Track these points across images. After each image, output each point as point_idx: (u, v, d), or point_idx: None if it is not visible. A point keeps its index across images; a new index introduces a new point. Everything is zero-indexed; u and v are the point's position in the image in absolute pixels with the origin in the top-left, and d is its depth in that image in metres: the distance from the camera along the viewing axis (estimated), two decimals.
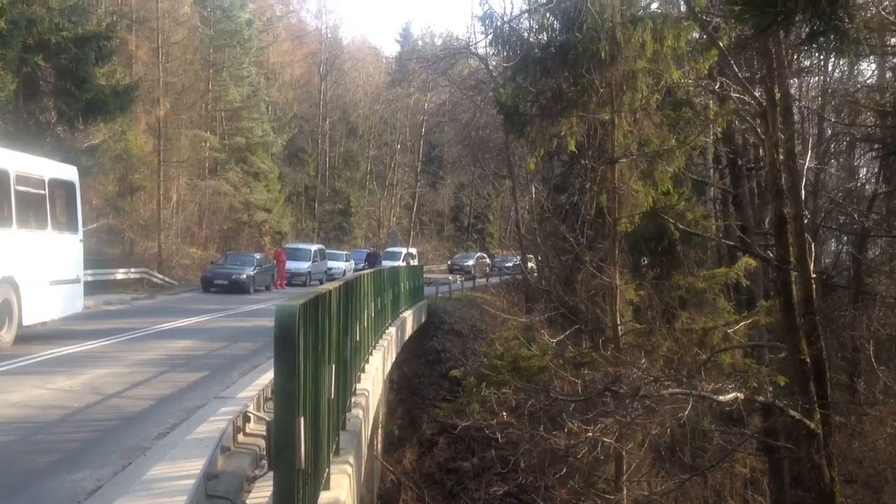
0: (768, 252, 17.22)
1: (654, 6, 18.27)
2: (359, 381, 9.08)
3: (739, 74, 14.17)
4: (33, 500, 6.15)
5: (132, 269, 33.50)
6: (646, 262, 19.69)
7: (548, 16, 17.04)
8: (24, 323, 14.70)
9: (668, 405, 11.33)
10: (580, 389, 11.89)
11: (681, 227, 16.48)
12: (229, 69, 49.20)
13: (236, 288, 31.34)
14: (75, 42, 27.21)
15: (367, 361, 10.62)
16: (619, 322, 14.99)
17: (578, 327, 18.71)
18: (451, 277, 43.18)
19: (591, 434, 11.06)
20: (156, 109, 39.83)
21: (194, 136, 46.56)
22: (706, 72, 15.46)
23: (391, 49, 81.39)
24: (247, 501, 4.85)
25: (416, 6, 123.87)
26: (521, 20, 23.12)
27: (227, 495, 4.49)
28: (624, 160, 15.21)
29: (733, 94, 14.83)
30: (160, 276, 35.13)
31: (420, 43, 75.95)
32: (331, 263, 42.31)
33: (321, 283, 33.82)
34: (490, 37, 21.35)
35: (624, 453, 13.28)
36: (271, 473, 3.90)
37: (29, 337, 14.96)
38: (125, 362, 13.07)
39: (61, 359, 13.25)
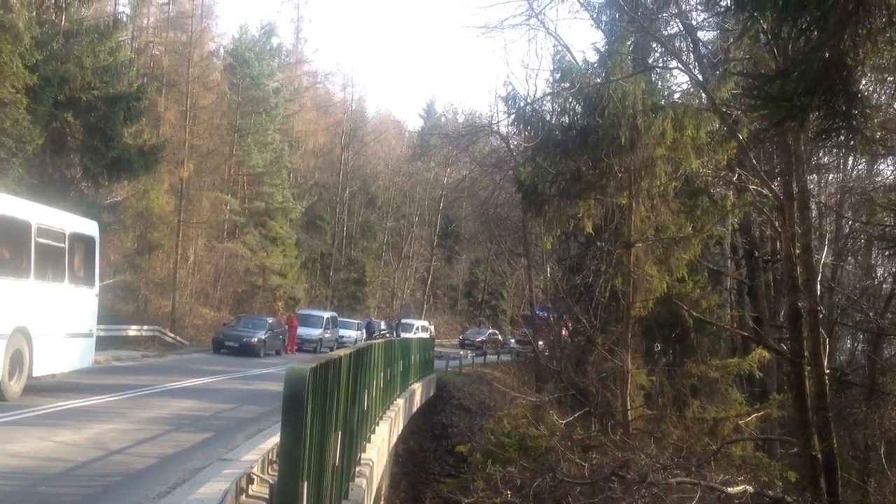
0: (782, 345, 17.12)
1: (675, 96, 18.58)
2: (364, 450, 9.01)
3: (758, 167, 14.32)
4: None
5: (145, 327, 33.57)
6: (658, 347, 19.58)
7: (570, 100, 17.37)
8: (35, 374, 14.72)
9: (675, 494, 11.14)
10: (587, 472, 11.74)
11: (695, 314, 16.45)
12: (254, 135, 50.03)
13: (247, 351, 31.30)
14: (105, 101, 27.84)
15: (374, 431, 10.55)
16: (629, 407, 14.87)
17: (588, 410, 18.53)
18: (461, 352, 43.02)
19: None
20: (179, 170, 40.43)
21: (215, 198, 47.12)
22: (725, 162, 15.63)
23: (414, 123, 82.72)
24: None
25: (440, 83, 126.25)
26: (544, 102, 23.55)
27: None
28: (640, 245, 15.30)
29: (751, 186, 14.95)
30: (172, 334, 35.17)
31: (443, 119, 77.14)
32: (343, 331, 42.29)
33: (331, 350, 33.75)
34: (512, 117, 21.72)
35: None
36: None
37: (38, 388, 14.96)
38: (131, 419, 13.03)
39: (68, 412, 13.23)
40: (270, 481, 5.63)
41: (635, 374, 15.45)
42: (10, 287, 13.97)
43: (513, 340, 53.26)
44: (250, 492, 5.75)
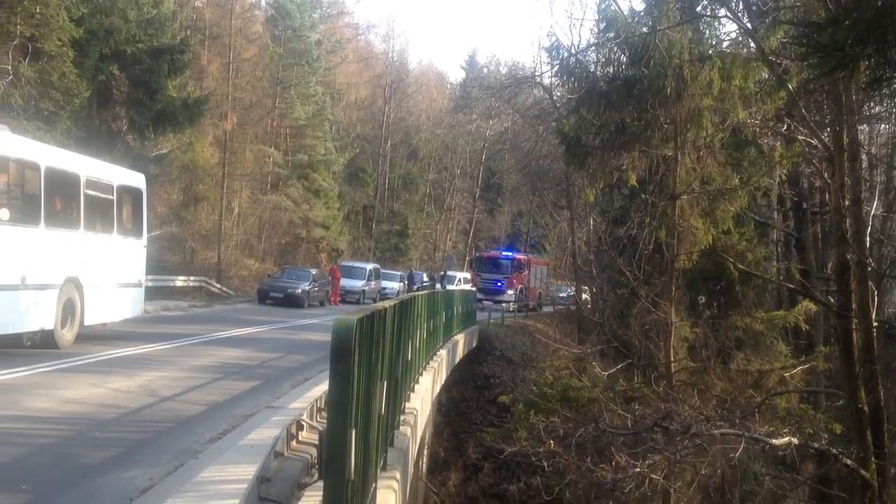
0: (829, 297, 16.92)
1: (723, 45, 18.16)
2: (408, 399, 9.13)
3: (807, 117, 14.00)
4: (88, 494, 6.31)
5: (191, 278, 34.14)
6: (703, 300, 19.45)
7: (615, 50, 17.06)
8: (86, 323, 15.10)
9: (719, 445, 11.16)
10: (630, 423, 11.79)
11: (741, 267, 16.28)
12: (296, 87, 50.07)
13: (291, 301, 31.72)
14: (150, 54, 28.01)
15: (417, 381, 10.66)
16: (672, 359, 14.84)
17: (630, 362, 18.53)
18: (504, 304, 43.12)
19: (638, 469, 10.94)
20: (223, 123, 40.70)
21: (259, 150, 47.42)
22: (773, 113, 15.31)
23: (456, 75, 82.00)
24: None
25: (483, 34, 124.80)
26: (588, 53, 23.13)
27: (278, 499, 4.57)
28: (685, 197, 15.12)
29: (800, 137, 14.65)
30: (218, 285, 35.72)
31: (485, 70, 76.26)
32: (385, 283, 42.62)
33: (374, 301, 34.05)
34: (556, 68, 21.37)
35: (672, 491, 13.07)
36: (321, 482, 3.96)
37: (89, 337, 15.35)
38: (180, 367, 13.33)
39: (119, 360, 13.56)
40: (319, 428, 5.74)
41: (679, 327, 15.38)
42: (61, 238, 14.28)
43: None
44: (300, 437, 5.88)
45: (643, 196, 18.54)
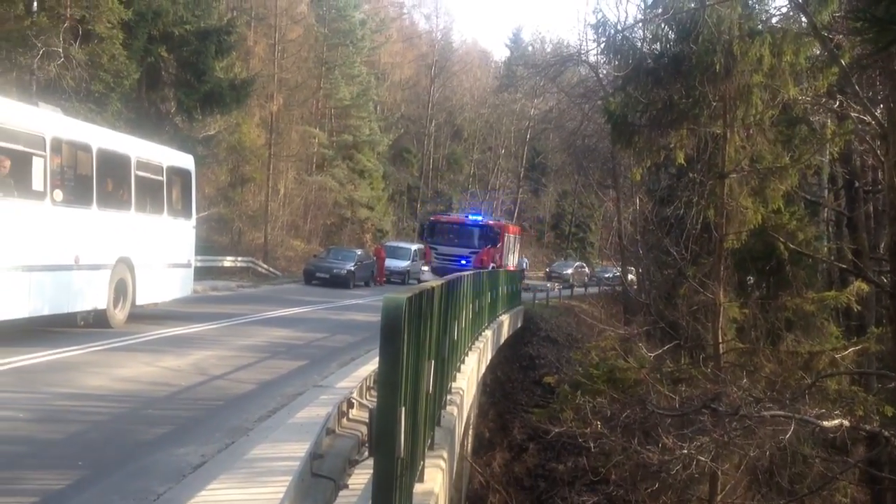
0: (882, 278, 16.57)
1: (773, 20, 17.80)
2: (454, 379, 9.16)
3: (860, 93, 13.68)
4: (143, 470, 6.45)
5: (239, 258, 34.56)
6: (752, 280, 19.17)
7: (663, 26, 16.82)
8: (138, 302, 15.37)
9: (768, 427, 11.04)
10: (678, 405, 11.72)
11: (791, 246, 16.02)
12: (341, 68, 50.20)
13: (337, 282, 31.96)
14: (197, 35, 28.27)
15: (463, 361, 10.69)
16: (721, 340, 14.68)
17: (678, 343, 18.36)
18: (548, 285, 42.96)
19: (686, 451, 10.88)
20: (269, 104, 40.98)
21: (304, 131, 47.69)
22: (825, 89, 14.99)
23: (500, 53, 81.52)
24: (348, 483, 4.99)
25: (528, 12, 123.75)
26: (635, 30, 22.83)
27: (331, 475, 4.63)
28: (734, 175, 14.90)
29: (852, 114, 14.35)
30: (265, 266, 36.11)
31: (530, 48, 75.74)
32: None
33: (418, 281, 34.17)
34: (602, 45, 21.11)
35: (719, 473, 12.99)
36: (371, 459, 4.00)
37: (141, 316, 15.63)
38: (230, 346, 13.52)
39: (170, 339, 13.80)
40: (369, 406, 5.79)
41: (727, 308, 15.20)
42: (113, 219, 14.52)
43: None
44: (351, 415, 5.95)
45: (691, 175, 18.33)
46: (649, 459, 11.66)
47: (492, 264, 33.57)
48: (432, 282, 6.21)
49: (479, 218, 38.27)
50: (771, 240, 16.12)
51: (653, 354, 16.07)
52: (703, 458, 11.30)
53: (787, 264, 17.54)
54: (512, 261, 39.34)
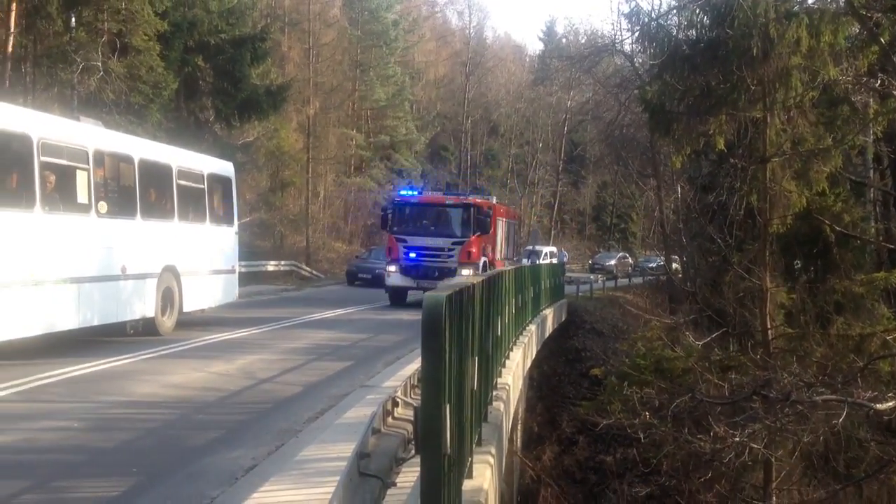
0: None
1: (810, 1, 17.50)
2: (500, 375, 9.14)
3: None
4: (195, 475, 6.53)
5: (282, 262, 34.89)
6: (799, 264, 18.89)
7: (697, 11, 16.62)
8: (185, 309, 15.59)
9: (820, 412, 10.86)
10: (727, 392, 11.59)
11: (837, 228, 15.77)
12: (375, 69, 50.44)
13: (380, 282, 32.05)
14: (232, 43, 28.62)
15: (508, 357, 10.67)
16: (769, 326, 14.48)
17: (725, 330, 18.13)
18: (592, 277, 42.69)
19: (738, 439, 10.75)
20: (306, 108, 41.30)
21: (341, 134, 48.00)
22: (866, 68, 14.70)
23: (534, 47, 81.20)
24: (396, 482, 5.01)
25: (560, 4, 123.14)
26: (669, 16, 22.57)
27: (378, 474, 4.65)
28: (776, 159, 14.67)
29: (895, 92, 14.04)
30: (308, 268, 36.42)
31: (564, 41, 75.29)
32: None
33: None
34: (636, 34, 20.95)
35: (773, 460, 12.81)
36: (418, 457, 4.01)
37: (188, 323, 15.84)
38: (276, 349, 13.65)
39: (218, 344, 13.97)
40: (414, 404, 5.81)
41: (775, 293, 14.98)
42: (157, 228, 14.74)
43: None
44: (396, 414, 5.97)
45: (732, 160, 18.08)
46: (701, 449, 11.56)
47: (483, 259, 23.88)
48: (472, 278, 6.20)
49: (462, 196, 27.30)
50: (816, 223, 15.89)
51: (700, 343, 15.90)
52: (755, 446, 11.15)
53: (834, 247, 17.26)
54: (505, 252, 28.27)
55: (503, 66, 72.85)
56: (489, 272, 13.16)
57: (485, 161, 68.90)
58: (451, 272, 21.98)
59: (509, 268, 12.88)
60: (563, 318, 25.41)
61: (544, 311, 19.43)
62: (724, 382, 12.10)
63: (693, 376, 12.96)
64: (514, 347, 11.91)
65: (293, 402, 9.42)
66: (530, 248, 48.00)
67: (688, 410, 11.88)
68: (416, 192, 26.29)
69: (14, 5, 24.26)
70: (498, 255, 26.61)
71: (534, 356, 16.99)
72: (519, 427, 17.23)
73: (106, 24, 24.37)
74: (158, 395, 9.65)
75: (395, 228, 24.38)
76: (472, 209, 24.31)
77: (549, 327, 20.59)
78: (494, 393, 8.12)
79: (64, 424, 8.03)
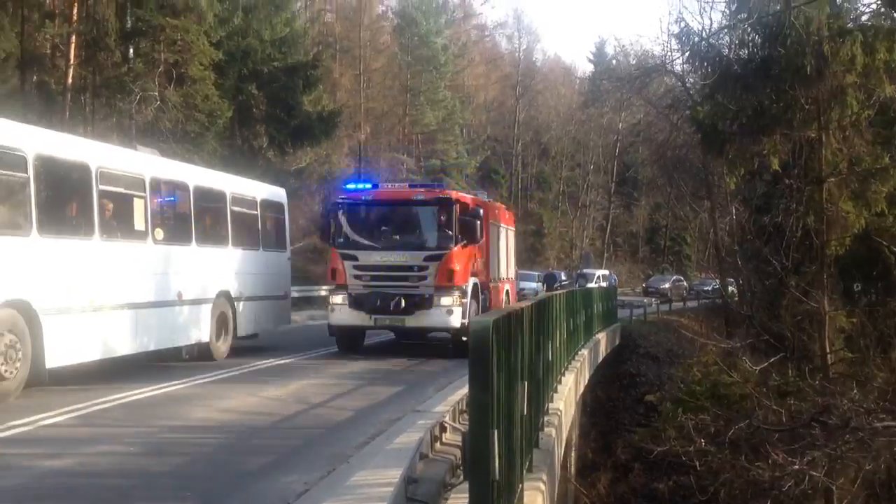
0: None
1: (863, 18, 17.21)
2: (551, 400, 9.07)
3: None
4: (248, 499, 6.57)
5: None
6: (858, 287, 18.49)
7: (748, 31, 16.54)
8: (239, 334, 15.78)
9: (882, 439, 10.56)
10: (785, 419, 11.34)
11: None
12: (425, 93, 50.81)
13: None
14: (285, 71, 29.13)
15: (560, 382, 10.59)
16: (828, 350, 14.19)
17: (783, 355, 17.78)
18: (645, 300, 42.23)
19: (797, 467, 10.51)
20: (357, 133, 41.76)
21: (392, 158, 48.38)
22: None
23: (584, 68, 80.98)
24: None
25: (609, 25, 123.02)
26: (720, 36, 22.44)
27: (425, 500, 4.64)
28: (833, 179, 14.45)
29: None
30: None
31: (614, 62, 75.06)
32: (523, 283, 42.51)
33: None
34: (687, 54, 20.87)
35: (834, 489, 12.48)
36: (467, 483, 3.99)
37: (242, 348, 16.02)
38: (328, 374, 13.71)
39: (271, 369, 14.08)
40: (462, 429, 5.79)
41: (833, 316, 14.70)
42: (211, 255, 14.98)
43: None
44: (444, 439, 5.95)
45: (787, 181, 17.81)
46: (759, 476, 11.32)
47: (471, 280, 16.74)
48: (521, 303, 6.17)
49: (438, 189, 18.35)
50: (876, 244, 15.58)
51: (758, 368, 15.61)
52: (815, 474, 10.89)
53: (895, 268, 16.86)
54: (503, 271, 20.81)
55: (553, 88, 72.85)
56: (540, 296, 13.00)
57: (536, 184, 68.83)
58: (425, 302, 15.90)
59: (559, 292, 12.79)
60: (617, 343, 25.16)
61: (597, 336, 19.26)
62: (783, 409, 11.85)
63: (750, 402, 12.73)
64: (567, 372, 11.82)
65: (344, 427, 9.44)
66: (582, 271, 47.73)
67: (745, 437, 11.66)
68: (369, 186, 18.03)
69: (74, 38, 25.06)
70: (496, 275, 19.70)
71: (587, 381, 16.83)
72: (573, 453, 17.04)
73: (162, 54, 25.00)
74: (212, 420, 9.75)
75: (342, 240, 16.76)
76: (452, 207, 16.38)
77: (603, 352, 20.39)
78: (546, 418, 8.06)
79: (120, 449, 8.15)
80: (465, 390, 8.24)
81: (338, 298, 16.40)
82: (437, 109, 51.61)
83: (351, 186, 18.15)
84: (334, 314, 16.49)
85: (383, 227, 17.22)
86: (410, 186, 19.09)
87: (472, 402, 4.00)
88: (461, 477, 5.12)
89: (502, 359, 4.43)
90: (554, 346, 9.28)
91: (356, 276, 16.32)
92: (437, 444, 5.78)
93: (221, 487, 6.92)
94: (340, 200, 17.37)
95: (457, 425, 6.34)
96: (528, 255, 60.72)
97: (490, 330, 3.93)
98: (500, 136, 65.26)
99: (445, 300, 15.84)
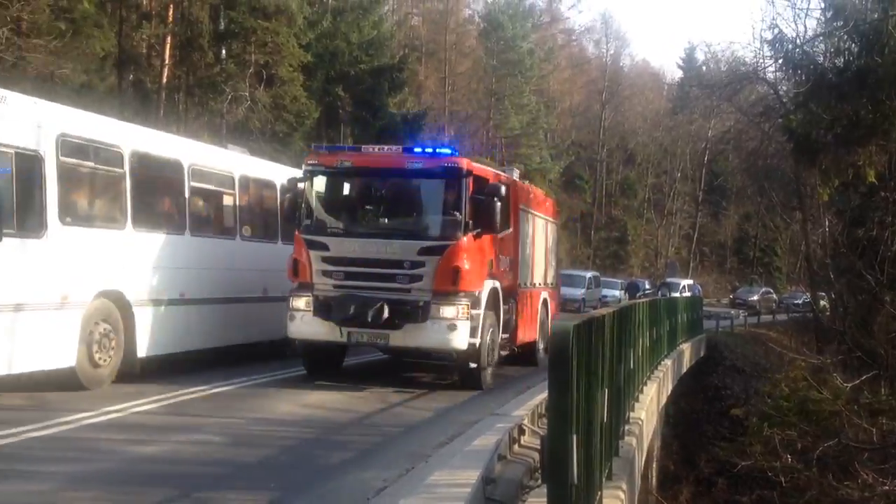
0: None
1: None
2: (632, 409, 8.97)
3: None
4: (329, 492, 6.72)
5: None
6: None
7: (844, 39, 16.06)
8: None
9: None
10: (876, 438, 10.97)
11: None
12: (510, 97, 50.78)
13: None
14: (371, 74, 29.58)
15: (641, 391, 10.45)
16: None
17: (876, 372, 17.18)
18: (732, 312, 41.31)
19: (887, 487, 10.15)
20: (441, 136, 42.00)
21: (475, 161, 48.50)
22: None
23: (672, 74, 79.68)
24: None
25: (699, 30, 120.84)
26: (815, 43, 21.82)
27: (503, 500, 4.65)
28: None
29: None
30: None
31: (703, 68, 73.58)
32: (605, 291, 42.17)
33: (594, 310, 33.64)
34: (780, 61, 20.36)
35: None
36: (544, 486, 3.99)
37: None
38: (409, 375, 13.81)
39: (352, 367, 14.25)
40: (541, 433, 5.79)
41: None
42: None
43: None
44: (522, 441, 5.95)
45: (883, 193, 17.24)
46: (848, 496, 10.98)
47: (490, 283, 12.58)
48: (602, 309, 6.13)
49: (443, 157, 12.49)
50: None
51: (849, 385, 15.12)
52: None
53: None
54: (539, 274, 16.71)
55: (640, 93, 71.95)
56: (622, 304, 12.78)
57: (620, 190, 68.07)
58: (418, 312, 11.60)
59: (642, 301, 12.56)
60: (702, 355, 24.68)
61: (681, 346, 18.94)
62: (874, 427, 11.47)
63: (840, 420, 12.34)
64: (649, 382, 11.66)
65: (423, 427, 9.53)
66: (666, 280, 46.99)
67: (833, 455, 11.34)
68: (346, 150, 15.04)
69: (169, 38, 25.91)
70: (528, 279, 15.46)
71: (669, 392, 16.57)
72: (654, 465, 16.79)
73: (253, 56, 25.64)
74: (296, 414, 9.96)
75: (308, 222, 12.56)
76: (463, 181, 12.06)
77: (687, 363, 20.03)
78: (626, 427, 7.97)
79: (207, 438, 8.40)
80: (543, 395, 8.22)
81: (300, 302, 12.05)
82: (521, 114, 51.51)
83: (336, 149, 14.20)
84: (294, 323, 12.10)
85: (366, 206, 13.01)
86: (405, 151, 13.28)
87: (551, 406, 4.01)
88: (539, 480, 5.11)
89: (582, 364, 4.42)
90: (636, 354, 9.17)
91: (325, 273, 11.95)
92: (516, 447, 5.79)
93: (303, 480, 7.09)
94: (310, 166, 12.66)
95: (535, 428, 6.34)
96: (611, 262, 60.15)
97: (571, 334, 3.93)
98: (584, 142, 64.75)
99: (447, 311, 11.53)
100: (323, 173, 12.71)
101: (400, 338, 11.74)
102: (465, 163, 12.32)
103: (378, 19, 33.94)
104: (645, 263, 65.22)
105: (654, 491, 16.64)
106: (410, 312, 11.56)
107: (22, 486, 6.35)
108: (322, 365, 12.98)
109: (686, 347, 19.86)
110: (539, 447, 5.14)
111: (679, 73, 77.17)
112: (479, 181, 12.38)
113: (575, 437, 4.05)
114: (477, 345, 11.73)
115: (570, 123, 64.09)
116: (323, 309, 11.80)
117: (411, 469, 7.27)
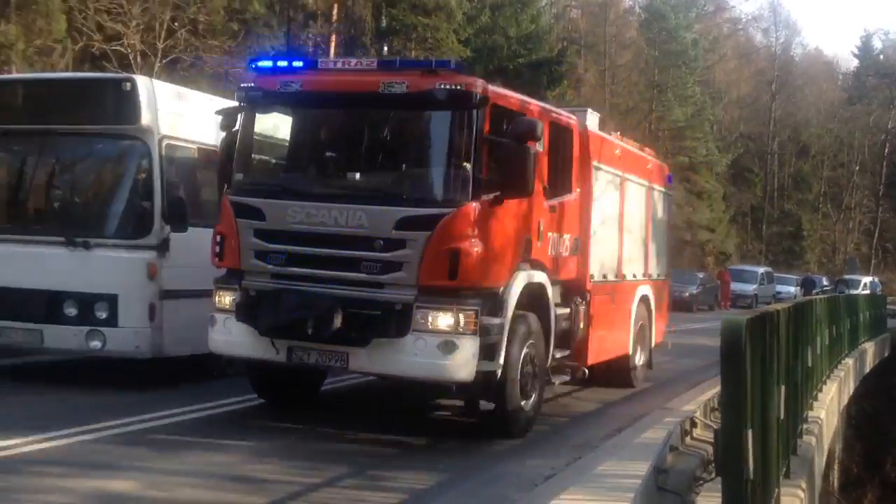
0: None
1: None
2: (811, 408, 8.67)
3: None
4: (496, 477, 6.89)
5: None
6: None
7: None
8: None
9: None
10: None
11: None
12: (673, 89, 49.58)
13: (679, 305, 31.19)
14: (529, 67, 29.73)
15: (821, 390, 10.08)
16: None
17: None
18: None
19: None
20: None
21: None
22: None
23: (847, 63, 75.25)
24: (695, 501, 4.95)
25: (876, 17, 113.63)
26: None
27: (676, 490, 4.64)
28: None
29: None
30: None
31: (881, 57, 69.13)
32: (779, 287, 40.76)
33: (767, 305, 32.38)
34: None
35: None
36: (719, 480, 3.97)
37: None
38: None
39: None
40: (714, 426, 5.71)
41: None
42: None
43: None
44: (694, 434, 5.89)
45: None
46: None
47: (522, 273, 8.07)
48: (776, 305, 5.97)
49: (439, 75, 7.59)
50: None
51: None
52: None
53: None
54: (634, 263, 11.88)
55: (813, 83, 68.46)
56: (797, 300, 12.26)
57: (793, 184, 65.00)
58: (392, 320, 7.45)
59: (819, 297, 12.01)
60: (886, 355, 23.40)
61: (864, 345, 18.13)
62: None
63: None
64: (828, 381, 11.23)
65: (590, 419, 9.57)
66: (844, 277, 44.75)
67: None
68: (300, 64, 8.49)
69: (334, 37, 27.01)
70: (614, 267, 11.05)
71: (851, 392, 15.85)
72: (835, 466, 16.10)
73: (414, 52, 26.29)
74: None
75: (240, 177, 8.33)
76: (473, 112, 7.61)
77: (870, 363, 19.12)
78: (805, 426, 7.73)
79: (377, 423, 8.64)
80: (715, 390, 8.07)
81: (224, 298, 8.07)
82: (685, 105, 50.17)
83: (265, 64, 8.45)
84: (215, 331, 8.13)
85: (320, 154, 8.75)
86: (382, 66, 8.52)
87: (725, 400, 3.99)
88: (713, 473, 5.07)
89: (756, 359, 4.35)
90: (814, 352, 8.85)
91: (259, 254, 7.87)
92: (687, 439, 5.73)
93: (471, 464, 7.33)
94: (243, 91, 8.33)
95: (708, 422, 6.25)
96: (784, 258, 57.70)
97: (744, 329, 3.90)
98: (753, 134, 62.21)
99: (439, 319, 7.38)
100: (262, 102, 8.24)
101: (364, 359, 7.55)
102: (478, 84, 7.72)
103: (536, 13, 33.97)
104: (822, 259, 62.07)
105: (835, 493, 15.96)
106: (381, 320, 7.43)
107: None
108: (276, 391, 8.86)
109: (869, 347, 19.03)
110: (712, 440, 5.08)
111: (854, 62, 72.91)
112: (501, 114, 8.01)
113: (750, 432, 4.01)
114: (497, 372, 7.54)
115: (737, 115, 61.81)
116: (247, 311, 7.78)
117: (578, 459, 7.34)
